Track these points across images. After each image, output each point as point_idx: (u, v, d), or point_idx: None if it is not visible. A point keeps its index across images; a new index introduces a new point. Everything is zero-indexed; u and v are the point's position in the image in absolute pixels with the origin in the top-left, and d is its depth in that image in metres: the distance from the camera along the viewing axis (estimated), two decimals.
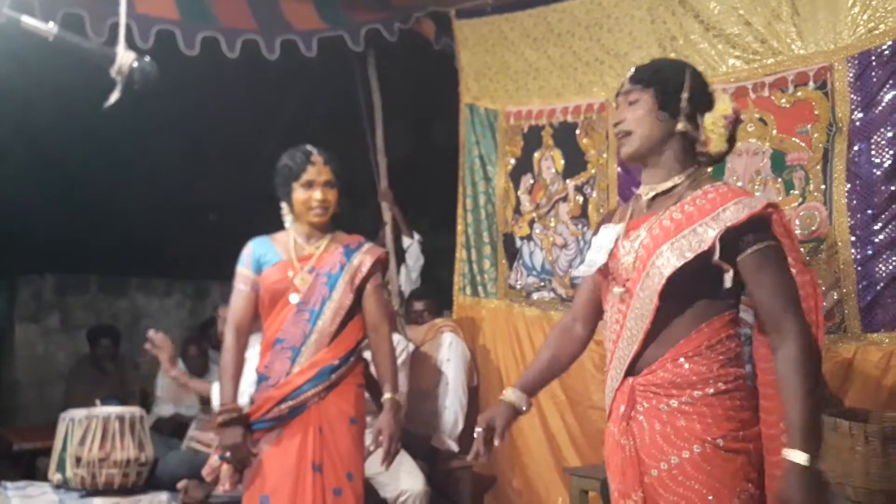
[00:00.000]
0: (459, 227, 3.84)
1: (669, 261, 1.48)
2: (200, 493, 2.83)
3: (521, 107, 3.58)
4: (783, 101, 2.80)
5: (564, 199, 3.44)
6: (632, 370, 1.54)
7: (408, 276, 4.26)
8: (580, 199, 3.38)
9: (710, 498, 1.44)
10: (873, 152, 2.58)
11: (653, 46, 3.11)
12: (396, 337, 3.32)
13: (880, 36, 2.54)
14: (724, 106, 1.55)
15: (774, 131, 2.82)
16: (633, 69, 1.63)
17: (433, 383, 3.45)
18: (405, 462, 3.06)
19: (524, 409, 1.71)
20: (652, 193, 1.58)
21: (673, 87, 1.55)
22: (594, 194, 3.33)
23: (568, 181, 3.42)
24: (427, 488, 2.92)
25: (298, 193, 2.26)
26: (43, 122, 4.07)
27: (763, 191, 2.84)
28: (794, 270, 1.52)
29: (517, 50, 3.55)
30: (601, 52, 3.28)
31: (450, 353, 3.47)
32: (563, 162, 3.45)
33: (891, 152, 2.56)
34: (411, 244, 4.31)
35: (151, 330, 3.04)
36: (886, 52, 2.53)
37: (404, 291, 4.11)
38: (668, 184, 1.56)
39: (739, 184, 2.90)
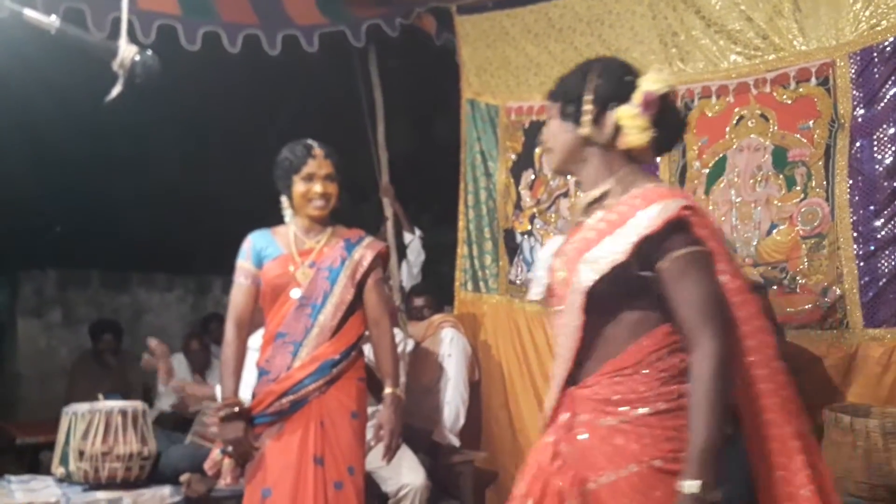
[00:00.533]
0: (461, 223, 3.84)
1: (588, 274, 1.39)
2: (203, 487, 2.84)
3: (522, 102, 3.58)
4: (785, 97, 2.80)
5: (565, 194, 3.44)
6: (572, 381, 1.45)
7: (409, 272, 4.26)
8: (581, 194, 3.38)
9: None
10: (875, 149, 2.58)
11: (654, 42, 3.11)
12: (395, 332, 3.32)
13: (882, 32, 2.54)
14: (638, 92, 1.42)
15: (776, 127, 2.82)
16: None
17: (434, 378, 3.45)
18: (406, 457, 3.06)
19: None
20: (584, 203, 1.51)
21: (574, 93, 1.47)
22: None
23: (569, 177, 3.42)
24: (428, 483, 2.93)
25: (299, 186, 2.26)
26: (45, 117, 4.08)
27: (765, 187, 2.84)
28: (725, 277, 1.39)
29: (518, 45, 3.55)
30: (602, 48, 3.27)
31: (451, 349, 3.47)
32: None
33: (893, 149, 2.56)
34: (412, 240, 4.31)
35: (152, 339, 3.05)
36: (888, 49, 2.53)
37: (405, 287, 4.12)
38: (597, 192, 1.48)
39: (739, 180, 2.91)
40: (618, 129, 1.43)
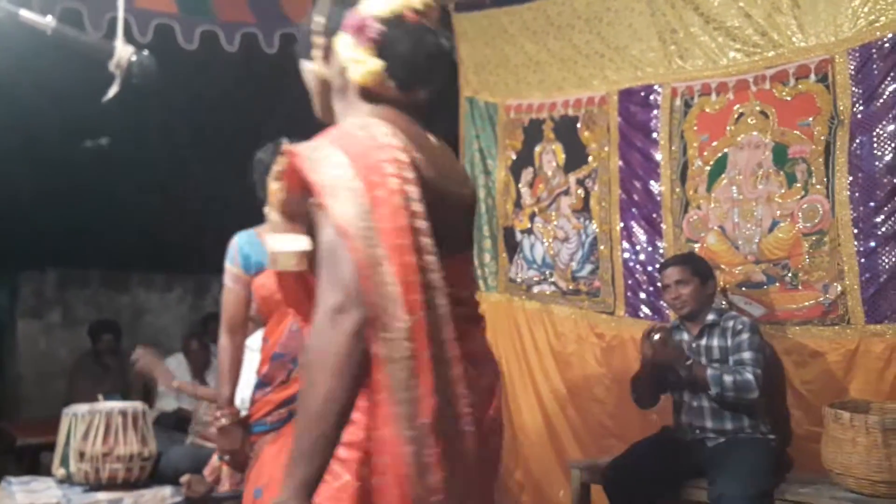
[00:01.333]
0: None
1: None
2: (203, 488, 2.83)
3: (521, 100, 3.57)
4: (784, 93, 2.79)
5: (566, 192, 3.44)
6: None
7: None
8: (582, 192, 3.38)
9: None
10: (875, 145, 2.58)
11: (653, 39, 3.11)
12: None
13: (881, 28, 2.54)
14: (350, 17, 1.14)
15: (776, 124, 2.81)
16: None
17: None
18: None
19: None
20: None
21: (306, 34, 1.21)
22: (596, 188, 3.32)
23: (569, 175, 3.42)
24: None
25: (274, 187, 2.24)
26: (42, 117, 4.07)
27: (766, 184, 2.83)
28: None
29: (517, 43, 3.54)
30: (601, 46, 3.27)
31: None
32: (564, 155, 3.44)
33: (892, 145, 2.56)
34: None
35: (134, 353, 3.05)
36: (887, 45, 2.52)
37: None
38: None
39: (740, 178, 2.91)
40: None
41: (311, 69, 1.22)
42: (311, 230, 1.13)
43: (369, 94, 1.17)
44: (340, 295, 1.00)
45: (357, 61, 1.14)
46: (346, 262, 1.01)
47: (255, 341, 2.42)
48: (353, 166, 1.04)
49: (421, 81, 1.19)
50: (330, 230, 1.03)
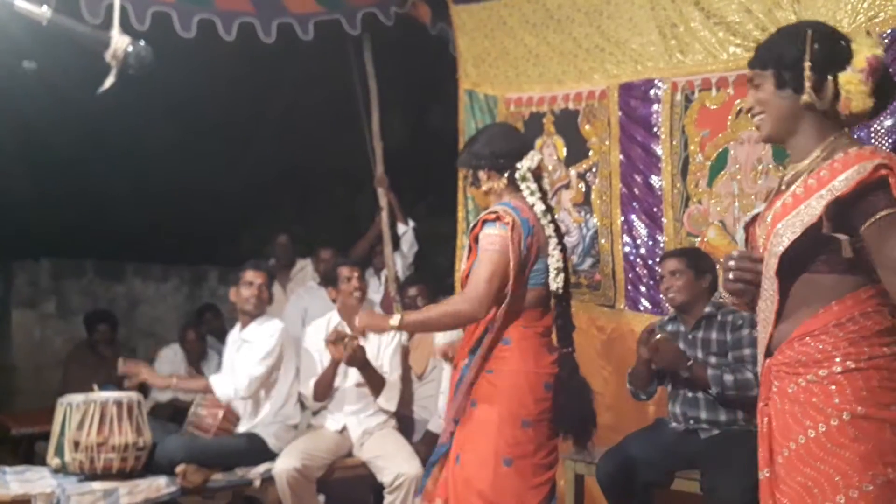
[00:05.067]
0: (460, 214, 3.83)
1: (782, 240, 1.44)
2: (199, 478, 2.84)
3: (521, 93, 3.55)
4: None
5: (567, 186, 3.43)
6: (769, 352, 1.51)
7: (402, 263, 4.26)
8: (582, 186, 3.38)
9: (836, 479, 1.36)
10: (873, 140, 2.58)
11: (653, 33, 3.09)
12: None
13: (880, 24, 2.53)
14: (859, 58, 1.43)
15: None
16: (756, 51, 1.56)
17: (429, 368, 3.46)
18: (402, 446, 3.07)
19: None
20: (791, 172, 1.52)
21: (791, 60, 1.47)
22: (597, 181, 3.32)
23: (570, 168, 3.41)
24: (423, 471, 2.94)
25: None
26: (37, 107, 4.04)
27: (766, 179, 2.83)
28: None
29: (516, 36, 3.52)
30: (601, 39, 3.26)
31: (446, 339, 3.48)
32: (564, 149, 3.43)
33: (890, 140, 2.56)
34: (406, 231, 4.30)
35: (120, 365, 3.06)
36: (886, 41, 2.52)
37: (401, 278, 4.11)
38: (806, 161, 1.49)
39: (739, 176, 2.91)
40: (837, 95, 1.45)
41: (787, 94, 1.50)
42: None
43: (841, 121, 1.49)
44: None
45: (867, 94, 1.44)
46: None
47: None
48: None
49: (882, 111, 1.54)
50: None
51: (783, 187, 1.53)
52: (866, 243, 1.39)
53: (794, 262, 1.44)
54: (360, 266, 3.41)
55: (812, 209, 1.41)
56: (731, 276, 1.53)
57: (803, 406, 1.41)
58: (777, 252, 1.44)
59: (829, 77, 1.45)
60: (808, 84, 1.45)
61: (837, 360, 1.40)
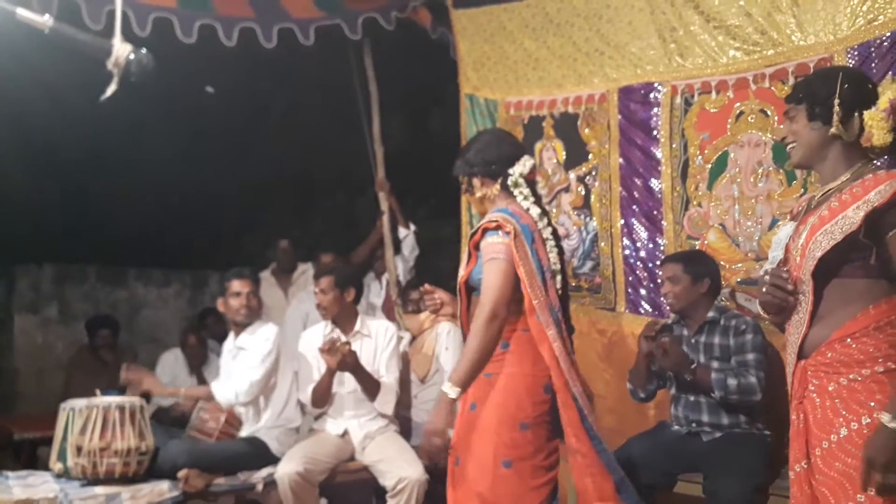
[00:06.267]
0: (463, 218, 3.83)
1: (821, 244, 1.60)
2: (201, 482, 2.84)
3: (521, 97, 3.56)
4: (784, 92, 2.78)
5: (566, 189, 3.44)
6: (802, 353, 1.65)
7: (404, 267, 4.26)
8: (582, 189, 3.38)
9: None
10: None
11: (652, 37, 3.10)
12: (391, 326, 3.33)
13: (880, 27, 2.54)
14: (884, 99, 1.65)
15: (776, 123, 2.82)
16: (792, 88, 1.82)
17: (431, 372, 3.46)
18: (404, 449, 3.07)
19: None
20: (820, 193, 1.72)
21: (823, 97, 1.69)
22: (596, 185, 3.33)
23: (570, 172, 3.42)
24: (426, 476, 2.94)
25: None
26: (39, 114, 4.06)
27: (766, 182, 2.84)
28: None
29: (516, 40, 3.53)
30: (601, 43, 3.26)
31: (448, 342, 3.48)
32: (564, 153, 3.44)
33: None
34: (407, 235, 4.31)
35: (122, 372, 3.07)
36: (886, 44, 2.52)
37: (402, 282, 4.12)
38: (836, 182, 1.69)
39: (739, 179, 2.91)
40: (861, 129, 1.67)
41: (817, 126, 1.72)
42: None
43: (865, 152, 1.70)
44: None
45: (887, 130, 1.66)
46: None
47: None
48: None
49: None
50: None
51: (813, 205, 1.72)
52: (891, 250, 1.56)
53: (829, 267, 1.60)
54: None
55: (850, 219, 1.58)
56: (764, 289, 1.68)
57: (846, 401, 1.55)
58: (816, 255, 1.60)
59: (856, 113, 1.67)
60: (836, 118, 1.67)
61: (879, 360, 1.55)
